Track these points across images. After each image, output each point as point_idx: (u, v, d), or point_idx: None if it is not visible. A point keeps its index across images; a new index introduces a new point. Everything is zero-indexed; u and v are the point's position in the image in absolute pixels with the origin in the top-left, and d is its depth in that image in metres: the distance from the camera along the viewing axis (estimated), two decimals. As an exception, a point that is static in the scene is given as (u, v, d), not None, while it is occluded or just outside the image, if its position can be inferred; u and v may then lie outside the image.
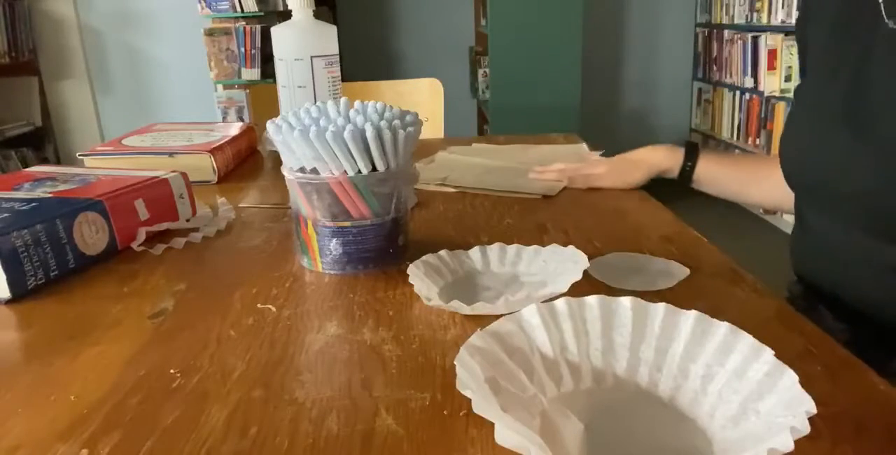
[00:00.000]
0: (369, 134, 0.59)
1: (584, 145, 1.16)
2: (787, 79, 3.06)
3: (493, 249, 0.64)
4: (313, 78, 0.87)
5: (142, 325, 0.55)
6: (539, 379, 0.42)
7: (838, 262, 0.68)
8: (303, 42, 0.86)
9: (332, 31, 0.88)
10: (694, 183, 0.90)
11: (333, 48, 0.89)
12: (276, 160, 0.99)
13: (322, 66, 0.87)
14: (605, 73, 3.86)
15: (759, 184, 0.89)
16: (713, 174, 0.89)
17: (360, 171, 0.61)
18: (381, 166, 0.61)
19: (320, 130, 0.58)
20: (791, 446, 0.31)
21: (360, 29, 3.76)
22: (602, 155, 1.07)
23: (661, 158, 0.91)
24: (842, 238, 0.66)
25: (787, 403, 0.35)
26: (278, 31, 0.87)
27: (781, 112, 3.11)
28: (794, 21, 2.92)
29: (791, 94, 3.05)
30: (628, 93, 3.93)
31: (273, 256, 0.69)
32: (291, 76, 0.85)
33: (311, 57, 0.86)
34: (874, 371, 0.46)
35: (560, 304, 0.44)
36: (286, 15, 0.90)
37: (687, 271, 0.61)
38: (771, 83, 3.14)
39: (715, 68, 3.68)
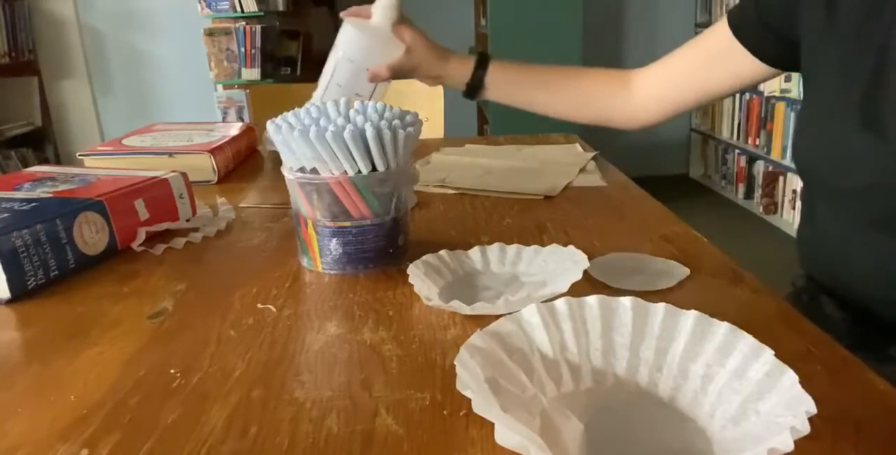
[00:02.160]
0: (369, 134, 0.59)
1: (578, 145, 1.16)
2: (787, 79, 3.06)
3: (493, 249, 0.64)
4: (374, 91, 0.85)
5: (142, 325, 0.55)
6: (539, 379, 0.42)
7: (843, 253, 0.68)
8: (380, 54, 0.83)
9: (402, 48, 0.85)
10: (485, 93, 0.91)
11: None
12: (276, 160, 0.99)
13: (385, 84, 0.85)
14: (605, 73, 3.85)
15: (553, 92, 0.92)
16: (504, 81, 0.90)
17: (360, 171, 0.61)
18: (381, 166, 0.61)
19: (320, 130, 0.58)
20: (791, 446, 0.31)
21: (360, 29, 3.75)
22: (595, 157, 1.07)
23: (445, 66, 0.89)
24: (848, 230, 0.67)
25: (787, 403, 0.35)
26: (359, 32, 0.83)
27: (781, 112, 3.11)
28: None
29: (791, 95, 3.05)
30: (628, 93, 3.93)
31: (273, 256, 0.69)
32: (353, 83, 0.82)
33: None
34: (873, 358, 0.46)
35: (560, 304, 0.44)
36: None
37: (687, 271, 0.61)
38: (771, 83, 3.14)
39: (715, 68, 3.67)
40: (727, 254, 0.66)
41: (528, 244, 0.64)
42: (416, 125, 0.63)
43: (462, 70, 0.89)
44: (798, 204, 2.98)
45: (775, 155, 3.18)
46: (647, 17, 3.83)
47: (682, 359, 0.42)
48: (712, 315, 0.42)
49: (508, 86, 0.92)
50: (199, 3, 2.93)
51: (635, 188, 0.92)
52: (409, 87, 1.61)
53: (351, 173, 0.60)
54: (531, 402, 0.40)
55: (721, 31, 0.78)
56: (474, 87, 0.90)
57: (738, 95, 3.46)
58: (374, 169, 0.61)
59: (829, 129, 0.65)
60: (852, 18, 0.63)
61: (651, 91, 0.89)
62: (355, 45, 0.84)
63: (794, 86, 3.04)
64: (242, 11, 2.93)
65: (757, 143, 3.32)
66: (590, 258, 0.59)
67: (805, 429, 0.32)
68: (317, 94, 0.86)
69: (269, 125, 0.61)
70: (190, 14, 3.08)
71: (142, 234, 0.71)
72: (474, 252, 0.64)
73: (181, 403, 0.43)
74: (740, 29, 0.76)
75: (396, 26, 0.85)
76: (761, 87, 3.21)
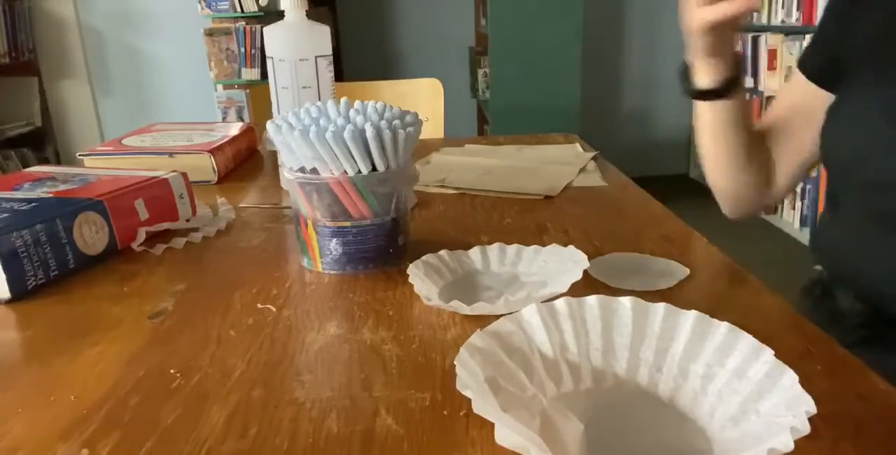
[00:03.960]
0: (369, 134, 0.59)
1: (578, 145, 1.16)
2: (787, 79, 3.05)
3: (493, 249, 0.64)
4: (318, 78, 0.87)
5: (142, 325, 0.55)
6: (539, 379, 0.42)
7: (864, 246, 0.68)
8: (309, 43, 0.86)
9: (326, 30, 0.89)
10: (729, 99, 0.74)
11: (330, 48, 0.90)
12: (276, 160, 0.99)
13: (325, 66, 0.87)
14: (605, 72, 3.86)
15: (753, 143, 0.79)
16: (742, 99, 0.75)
17: (360, 171, 0.61)
18: (381, 166, 0.61)
19: (320, 130, 0.58)
20: (791, 446, 0.31)
21: (360, 29, 3.76)
22: (595, 157, 1.07)
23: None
24: (870, 223, 0.67)
25: (788, 403, 0.35)
26: (275, 33, 0.87)
27: (781, 112, 3.11)
28: (794, 21, 2.92)
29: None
30: (628, 93, 3.93)
31: (273, 256, 0.69)
32: (295, 77, 0.85)
33: (316, 57, 0.86)
34: (886, 350, 0.45)
35: (560, 304, 0.44)
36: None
37: (687, 271, 0.61)
38: (771, 83, 3.14)
39: (715, 68, 3.67)
40: (727, 254, 0.66)
41: (528, 244, 0.64)
42: (416, 125, 0.63)
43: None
44: (798, 204, 2.98)
45: (775, 155, 3.17)
46: (647, 16, 3.83)
47: (682, 359, 0.42)
48: (712, 315, 0.42)
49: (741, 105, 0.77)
50: (199, 3, 2.93)
51: (635, 188, 0.92)
52: (409, 87, 1.61)
53: (351, 173, 0.60)
54: (531, 402, 0.40)
55: (800, 89, 0.75)
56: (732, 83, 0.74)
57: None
58: (374, 169, 0.61)
59: (858, 123, 0.66)
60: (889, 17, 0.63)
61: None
62: (276, 44, 0.86)
63: (794, 86, 3.03)
64: (242, 11, 2.93)
65: (757, 143, 3.32)
66: (590, 258, 0.59)
67: (805, 429, 0.32)
68: (274, 108, 0.88)
69: (269, 125, 0.61)
70: (190, 14, 3.08)
71: (142, 234, 0.71)
72: (474, 252, 0.64)
73: (181, 403, 0.43)
74: (814, 75, 0.73)
75: None
76: (761, 87, 3.21)
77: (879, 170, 0.62)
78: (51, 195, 0.69)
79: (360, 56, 3.77)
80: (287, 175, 0.63)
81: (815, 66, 0.75)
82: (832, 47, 0.73)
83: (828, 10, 0.75)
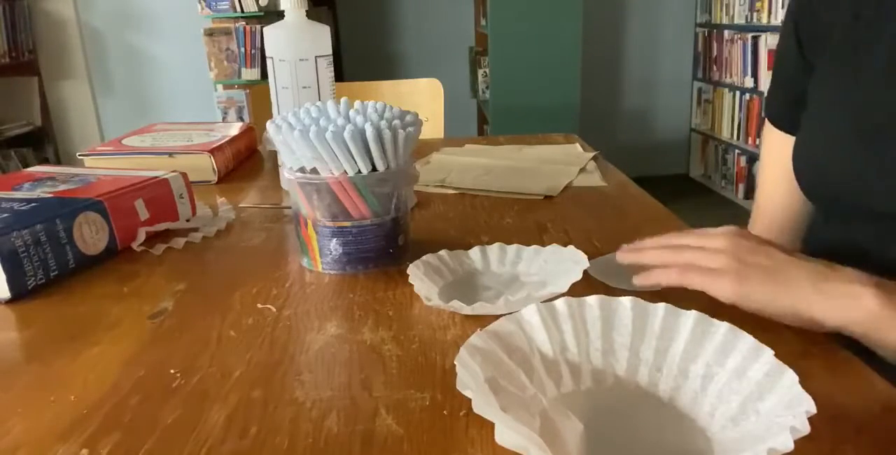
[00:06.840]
0: (369, 134, 0.59)
1: (578, 145, 1.16)
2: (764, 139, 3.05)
3: (493, 249, 0.64)
4: (318, 78, 0.87)
5: (142, 325, 0.55)
6: (539, 379, 0.42)
7: (854, 255, 0.67)
8: (309, 43, 0.86)
9: (327, 30, 0.89)
10: None
11: (330, 48, 0.90)
12: (276, 160, 0.99)
13: (325, 66, 0.87)
14: (605, 73, 3.86)
15: None
16: None
17: (360, 171, 0.61)
18: (381, 166, 0.61)
19: (320, 130, 0.58)
20: (791, 446, 0.32)
21: (360, 29, 3.76)
22: (595, 157, 1.07)
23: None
24: (866, 245, 0.66)
25: (787, 403, 0.35)
26: (275, 33, 0.87)
27: (781, 112, 3.11)
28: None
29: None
30: (628, 93, 3.93)
31: (273, 256, 0.69)
32: (296, 77, 0.86)
33: (316, 57, 0.86)
34: (880, 368, 0.46)
35: (560, 304, 0.44)
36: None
37: (687, 271, 0.61)
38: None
39: (715, 68, 3.68)
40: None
41: (528, 244, 0.64)
42: (416, 125, 0.63)
43: None
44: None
45: (775, 155, 3.17)
46: (647, 17, 3.83)
47: (682, 359, 0.42)
48: (712, 315, 0.42)
49: None
50: (199, 3, 2.93)
51: (635, 188, 0.92)
52: (409, 87, 1.61)
53: (351, 173, 0.60)
54: (531, 402, 0.40)
55: (777, 141, 0.76)
56: None
57: (738, 95, 3.46)
58: (374, 169, 0.61)
59: (834, 142, 0.65)
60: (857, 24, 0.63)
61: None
62: (276, 44, 0.86)
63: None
64: (242, 11, 2.93)
65: (757, 143, 3.32)
66: (590, 258, 0.59)
67: (805, 429, 0.32)
68: (274, 108, 0.89)
69: (269, 125, 0.61)
70: (190, 14, 3.08)
71: (142, 234, 0.71)
72: (474, 252, 0.64)
73: (181, 403, 0.43)
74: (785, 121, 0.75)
75: None
76: (762, 87, 3.21)
77: (874, 200, 0.61)
78: (51, 195, 0.69)
79: (360, 56, 3.77)
80: (287, 175, 0.63)
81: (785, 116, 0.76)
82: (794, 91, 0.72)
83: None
